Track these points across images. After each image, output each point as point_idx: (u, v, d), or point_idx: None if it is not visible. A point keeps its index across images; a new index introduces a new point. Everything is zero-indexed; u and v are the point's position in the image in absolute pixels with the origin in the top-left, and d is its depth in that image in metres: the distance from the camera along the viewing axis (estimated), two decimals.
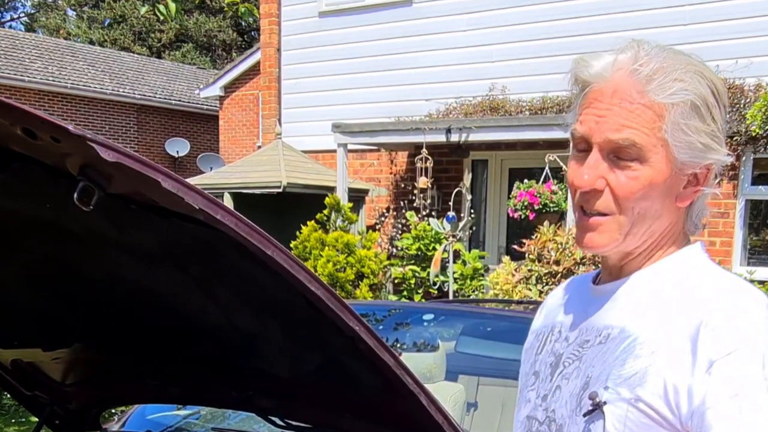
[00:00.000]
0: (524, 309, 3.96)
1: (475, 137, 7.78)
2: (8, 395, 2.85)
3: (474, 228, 8.92)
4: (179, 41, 28.43)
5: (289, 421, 2.06)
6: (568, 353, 1.24)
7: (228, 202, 8.68)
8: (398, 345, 3.38)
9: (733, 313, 1.07)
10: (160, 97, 18.39)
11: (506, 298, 6.51)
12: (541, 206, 7.29)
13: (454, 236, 7.62)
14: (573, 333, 1.25)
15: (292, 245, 7.69)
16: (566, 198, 7.15)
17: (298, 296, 1.43)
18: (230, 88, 15.49)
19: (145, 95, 18.09)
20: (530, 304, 4.35)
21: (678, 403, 1.05)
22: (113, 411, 3.52)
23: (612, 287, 1.21)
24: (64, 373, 2.33)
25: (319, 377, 1.92)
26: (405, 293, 8.03)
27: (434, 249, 7.74)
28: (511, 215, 7.64)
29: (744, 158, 7.24)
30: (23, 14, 33.51)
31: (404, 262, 8.16)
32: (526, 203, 7.36)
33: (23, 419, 6.75)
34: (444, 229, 7.65)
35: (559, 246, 6.67)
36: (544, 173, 7.37)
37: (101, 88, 17.26)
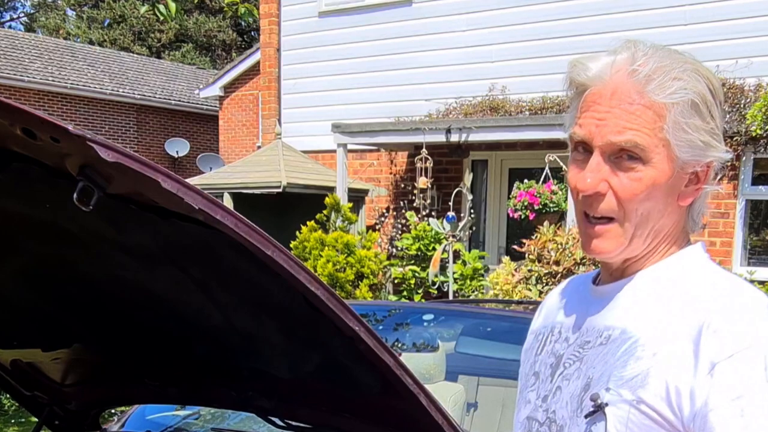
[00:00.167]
0: (524, 309, 3.95)
1: (475, 137, 7.78)
2: (8, 396, 2.84)
3: (474, 228, 8.92)
4: (179, 41, 28.43)
5: (289, 422, 2.06)
6: (568, 354, 1.23)
7: (228, 202, 8.68)
8: (398, 345, 3.38)
9: (734, 314, 1.06)
10: (159, 97, 18.39)
11: (506, 298, 6.50)
12: (541, 206, 7.28)
13: (454, 236, 7.62)
14: (573, 334, 1.25)
15: (291, 245, 7.69)
16: (566, 198, 7.15)
17: (298, 296, 1.42)
18: (230, 88, 15.49)
19: (144, 95, 18.08)
20: (530, 305, 4.34)
21: (680, 404, 1.05)
22: (113, 411, 3.52)
23: (613, 288, 1.21)
24: (63, 373, 2.33)
25: (318, 377, 1.92)
26: (405, 293, 8.03)
27: (434, 249, 7.73)
28: (511, 215, 7.64)
29: (744, 158, 7.24)
30: (23, 14, 33.52)
31: (404, 263, 8.16)
32: (526, 203, 7.36)
33: (23, 419, 6.75)
34: (444, 229, 7.64)
35: (559, 246, 6.66)
36: (544, 173, 7.36)
37: (101, 88, 17.26)
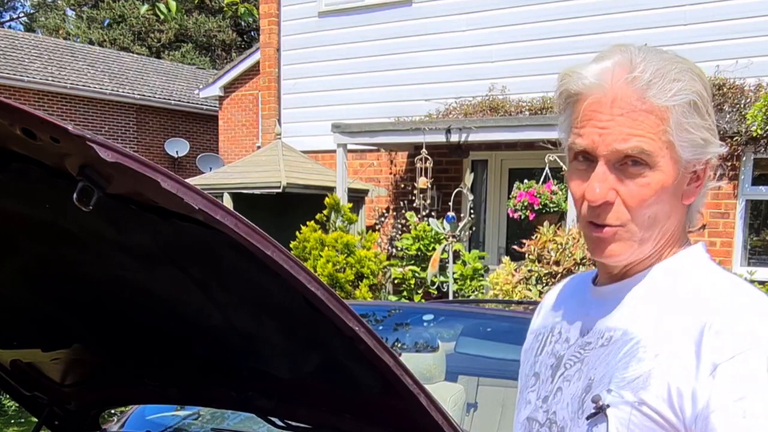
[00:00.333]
0: (524, 309, 3.95)
1: (475, 137, 7.78)
2: (8, 396, 2.84)
3: (474, 228, 8.92)
4: (179, 41, 28.42)
5: (289, 422, 2.05)
6: (569, 355, 1.23)
7: (227, 202, 8.68)
8: (398, 345, 3.38)
9: (736, 315, 1.06)
10: (159, 98, 18.39)
11: (506, 298, 6.50)
12: (541, 206, 7.28)
13: (453, 236, 7.62)
14: (574, 334, 1.24)
15: (291, 245, 7.69)
16: (566, 198, 7.15)
17: (298, 297, 1.42)
18: (230, 88, 15.48)
19: (144, 95, 18.08)
20: (530, 305, 4.34)
21: (682, 406, 1.05)
22: (112, 411, 3.51)
23: (614, 288, 1.20)
24: (63, 373, 2.32)
25: (318, 378, 1.92)
26: (405, 294, 8.03)
27: (434, 249, 7.73)
28: (511, 215, 7.64)
29: (744, 158, 7.23)
30: (22, 14, 33.53)
31: (404, 263, 8.16)
32: (526, 203, 7.36)
33: (23, 420, 6.75)
34: (444, 229, 7.64)
35: (559, 246, 6.66)
36: (544, 173, 7.36)
37: (101, 88, 17.26)
